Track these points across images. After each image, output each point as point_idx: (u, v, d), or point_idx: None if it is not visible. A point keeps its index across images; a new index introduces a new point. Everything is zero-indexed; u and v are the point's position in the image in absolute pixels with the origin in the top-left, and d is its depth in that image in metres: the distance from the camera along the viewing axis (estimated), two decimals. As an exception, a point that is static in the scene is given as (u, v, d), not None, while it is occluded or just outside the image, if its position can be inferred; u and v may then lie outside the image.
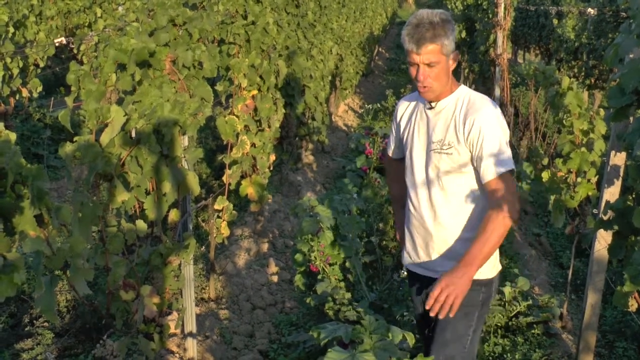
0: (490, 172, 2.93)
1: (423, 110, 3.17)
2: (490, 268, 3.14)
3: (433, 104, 3.10)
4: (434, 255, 3.18)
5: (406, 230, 3.33)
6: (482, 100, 3.04)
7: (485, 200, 3.02)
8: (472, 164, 3.02)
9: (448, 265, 2.98)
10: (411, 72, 3.00)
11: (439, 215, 3.12)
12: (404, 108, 3.34)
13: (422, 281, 3.30)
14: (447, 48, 2.93)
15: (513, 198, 2.91)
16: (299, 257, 4.85)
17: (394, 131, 3.44)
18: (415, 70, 2.97)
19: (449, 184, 3.07)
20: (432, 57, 2.91)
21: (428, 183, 3.13)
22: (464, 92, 3.09)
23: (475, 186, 3.07)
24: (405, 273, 4.41)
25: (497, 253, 3.16)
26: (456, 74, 18.97)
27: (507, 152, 2.96)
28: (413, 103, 3.29)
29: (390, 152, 3.56)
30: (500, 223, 2.86)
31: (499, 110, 3.06)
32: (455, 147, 3.00)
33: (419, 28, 2.89)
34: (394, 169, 3.59)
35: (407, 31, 2.92)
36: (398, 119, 3.37)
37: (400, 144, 3.39)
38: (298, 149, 8.76)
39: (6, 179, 1.95)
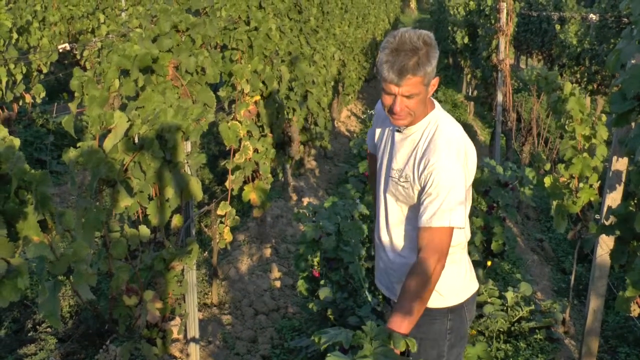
0: (424, 220, 2.63)
1: (392, 129, 2.90)
2: (459, 291, 2.93)
3: (401, 128, 2.80)
4: (394, 281, 2.96)
5: (375, 250, 3.12)
6: (446, 138, 2.71)
7: None
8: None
9: None
10: (384, 100, 2.67)
11: (395, 244, 2.90)
12: (380, 115, 3.03)
13: (388, 301, 3.12)
14: (429, 77, 2.61)
15: (439, 256, 2.60)
16: (301, 262, 4.85)
17: (371, 131, 3.17)
18: (391, 100, 2.64)
19: (405, 212, 2.84)
20: (413, 89, 2.59)
21: (386, 207, 2.91)
22: (434, 120, 2.77)
23: None
24: None
25: (469, 274, 2.98)
26: (458, 80, 19.02)
27: (452, 206, 2.62)
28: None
29: (370, 148, 3.28)
30: (423, 282, 2.56)
31: (466, 146, 2.75)
32: (411, 182, 2.74)
33: (400, 55, 2.54)
34: (374, 165, 3.25)
35: (386, 57, 2.56)
36: (375, 123, 3.11)
37: (374, 148, 3.13)
38: (300, 154, 8.77)
39: (10, 184, 1.96)
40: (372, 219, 5.65)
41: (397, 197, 2.84)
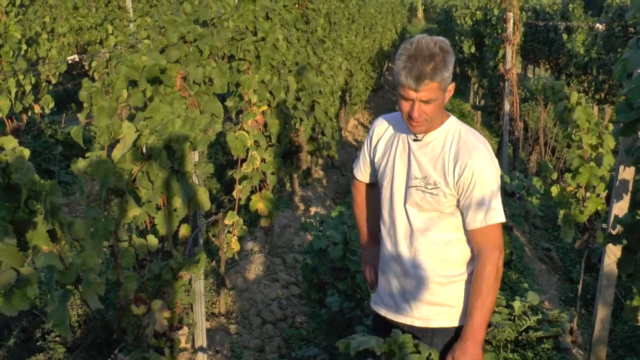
0: (477, 221, 2.74)
1: (406, 139, 2.87)
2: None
3: (419, 136, 2.81)
4: (411, 300, 2.92)
5: (380, 271, 3.08)
6: (475, 140, 2.78)
7: (468, 245, 2.86)
8: (459, 208, 2.81)
9: (425, 311, 2.87)
10: (402, 107, 2.70)
11: (419, 256, 2.87)
12: (383, 130, 3.01)
13: (392, 327, 2.89)
14: (445, 83, 2.65)
15: (499, 250, 2.76)
16: (308, 272, 4.86)
17: (366, 153, 3.09)
18: (408, 106, 2.67)
19: (431, 224, 2.84)
20: (431, 95, 2.62)
21: (408, 219, 2.87)
22: (454, 126, 2.82)
23: (459, 229, 2.85)
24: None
25: None
26: (466, 89, 19.02)
27: (498, 202, 2.75)
28: (395, 126, 2.97)
29: (359, 175, 3.21)
30: (493, 278, 2.73)
31: (490, 148, 2.83)
32: (442, 189, 2.76)
33: (418, 61, 2.58)
34: (365, 195, 3.26)
35: (404, 63, 2.61)
36: (374, 141, 3.03)
37: (373, 170, 3.09)
38: (308, 164, 8.78)
39: (20, 194, 1.98)
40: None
41: (421, 207, 2.83)
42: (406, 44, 2.66)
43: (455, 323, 2.88)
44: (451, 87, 2.74)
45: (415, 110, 2.65)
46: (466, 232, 2.82)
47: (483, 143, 2.79)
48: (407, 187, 2.85)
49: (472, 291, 2.76)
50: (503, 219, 2.76)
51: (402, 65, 2.61)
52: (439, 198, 2.77)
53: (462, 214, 2.80)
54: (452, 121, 2.83)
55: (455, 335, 2.85)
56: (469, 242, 2.85)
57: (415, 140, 2.83)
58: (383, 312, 3.05)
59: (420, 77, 2.58)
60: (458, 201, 2.78)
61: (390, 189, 2.92)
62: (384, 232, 3.00)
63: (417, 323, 2.93)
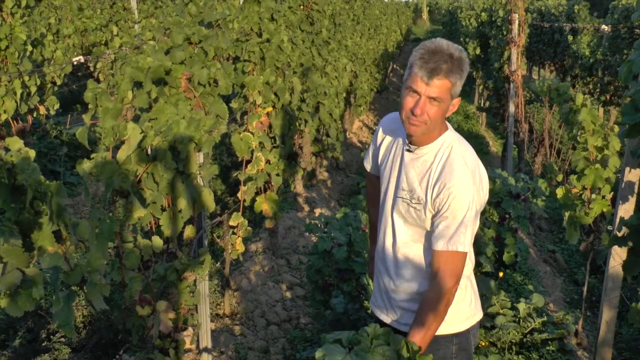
0: (440, 244, 2.65)
1: (402, 147, 2.84)
2: (464, 320, 2.89)
3: (412, 148, 2.76)
4: (396, 306, 2.91)
5: (375, 272, 3.07)
6: (461, 162, 2.68)
7: None
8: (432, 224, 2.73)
9: (409, 318, 2.80)
10: (406, 103, 2.62)
11: (401, 264, 2.85)
12: (388, 129, 2.98)
13: (385, 327, 2.87)
14: (456, 89, 2.60)
15: (456, 280, 2.65)
16: (313, 273, 4.86)
17: (372, 149, 3.10)
18: (413, 101, 2.59)
19: (415, 238, 2.80)
20: (440, 93, 2.56)
21: (393, 229, 2.85)
22: (447, 141, 2.73)
23: None
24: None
25: (474, 301, 2.95)
26: (471, 91, 18.99)
27: (466, 231, 2.64)
28: (396, 129, 2.92)
29: (367, 167, 3.21)
30: (442, 307, 2.63)
31: (479, 170, 2.74)
32: (423, 205, 2.71)
33: (437, 56, 2.53)
34: (374, 185, 3.21)
35: (421, 55, 2.56)
36: (379, 140, 3.02)
37: (376, 166, 3.07)
38: (312, 165, 8.79)
39: (25, 195, 1.98)
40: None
41: (406, 219, 2.80)
42: (426, 42, 2.62)
43: (439, 331, 2.75)
44: (456, 102, 2.67)
45: (419, 107, 2.58)
46: None
47: (472, 166, 2.71)
48: (396, 196, 2.83)
49: (417, 317, 2.65)
50: (466, 250, 2.65)
51: (418, 56, 2.56)
52: (421, 214, 2.72)
53: (431, 231, 2.73)
54: (447, 136, 2.75)
55: (440, 343, 2.80)
56: None
57: (408, 150, 2.78)
58: (377, 313, 3.05)
59: (435, 71, 2.52)
60: (432, 219, 2.71)
61: (385, 193, 2.91)
62: (377, 230, 2.99)
63: (396, 326, 2.90)
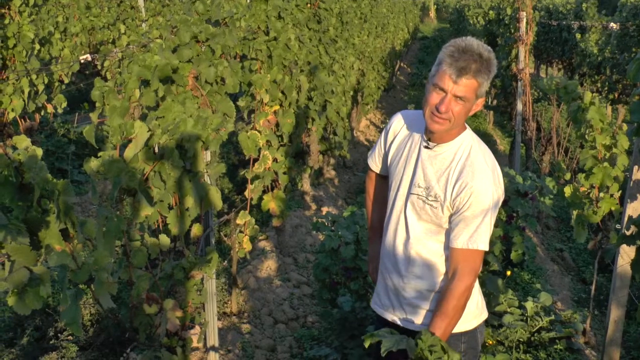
0: (460, 242, 2.69)
1: (418, 144, 2.84)
2: (472, 319, 2.90)
3: (431, 145, 2.77)
4: (405, 304, 2.91)
5: (379, 271, 3.06)
6: (482, 162, 2.71)
7: None
8: (449, 222, 2.76)
9: (418, 316, 2.85)
10: (430, 99, 2.63)
11: (412, 263, 2.85)
12: (400, 127, 2.97)
13: (390, 327, 2.78)
14: (482, 89, 2.62)
15: (474, 276, 2.71)
16: (320, 272, 4.86)
17: (382, 145, 3.06)
18: (438, 98, 2.60)
19: (428, 234, 2.81)
20: (466, 92, 2.57)
21: (406, 225, 2.85)
22: (467, 141, 2.75)
23: None
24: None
25: (481, 301, 2.97)
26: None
27: (486, 230, 2.69)
28: (411, 126, 2.93)
29: (372, 166, 3.18)
30: (463, 300, 2.69)
31: (497, 170, 2.77)
32: (440, 202, 2.72)
33: (466, 55, 2.54)
34: (377, 185, 3.23)
35: (451, 52, 2.56)
36: (390, 137, 3.00)
37: (385, 164, 3.06)
38: (319, 163, 8.78)
39: (33, 193, 1.98)
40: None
41: (420, 215, 2.80)
42: (457, 39, 2.63)
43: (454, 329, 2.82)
44: (480, 101, 2.69)
45: (445, 105, 2.59)
46: None
47: (492, 166, 2.74)
48: (409, 192, 2.83)
49: (439, 309, 2.69)
50: (486, 248, 2.71)
51: (448, 53, 2.57)
52: (437, 211, 2.74)
53: (450, 229, 2.75)
54: (467, 135, 2.77)
55: (449, 342, 2.75)
56: None
57: (426, 147, 2.79)
58: (380, 313, 3.05)
59: (464, 70, 2.53)
60: (450, 216, 2.74)
61: (397, 189, 2.90)
62: (384, 228, 2.99)
63: (404, 324, 2.92)
